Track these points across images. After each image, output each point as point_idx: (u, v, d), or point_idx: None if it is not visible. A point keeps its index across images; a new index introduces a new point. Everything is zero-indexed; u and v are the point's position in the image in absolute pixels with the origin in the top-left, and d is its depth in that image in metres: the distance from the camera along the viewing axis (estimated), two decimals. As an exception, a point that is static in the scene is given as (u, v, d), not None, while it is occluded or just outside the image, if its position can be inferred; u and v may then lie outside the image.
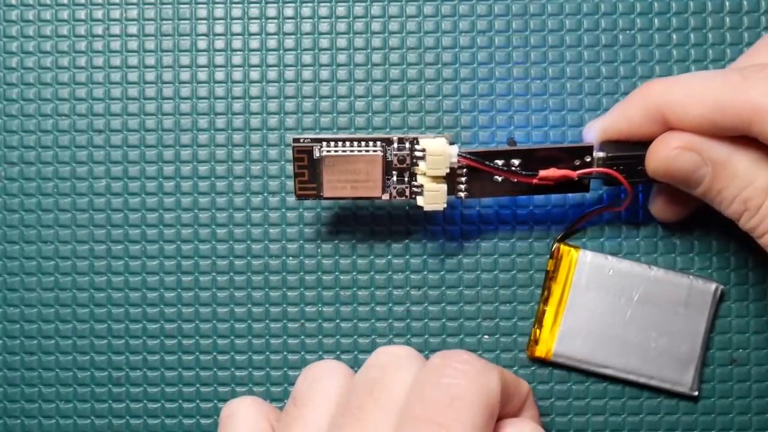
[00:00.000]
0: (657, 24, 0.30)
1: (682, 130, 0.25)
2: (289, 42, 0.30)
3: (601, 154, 0.27)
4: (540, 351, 0.28)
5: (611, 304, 0.28)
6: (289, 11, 0.30)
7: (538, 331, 0.29)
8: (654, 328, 0.28)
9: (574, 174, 0.26)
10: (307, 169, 0.27)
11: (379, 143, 0.27)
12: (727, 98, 0.23)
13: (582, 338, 0.28)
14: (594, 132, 0.27)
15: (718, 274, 0.29)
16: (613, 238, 0.29)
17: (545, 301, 0.29)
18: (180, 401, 0.29)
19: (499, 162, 0.27)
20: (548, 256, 0.29)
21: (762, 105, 0.23)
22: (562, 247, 0.29)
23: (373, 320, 0.29)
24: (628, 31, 0.30)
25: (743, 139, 0.25)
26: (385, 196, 0.27)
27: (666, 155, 0.25)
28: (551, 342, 0.28)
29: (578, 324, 0.28)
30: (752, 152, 0.25)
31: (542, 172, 0.26)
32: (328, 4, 0.30)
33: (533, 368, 0.29)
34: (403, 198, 0.27)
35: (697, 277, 0.28)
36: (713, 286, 0.28)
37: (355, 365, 0.29)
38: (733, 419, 0.29)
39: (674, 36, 0.30)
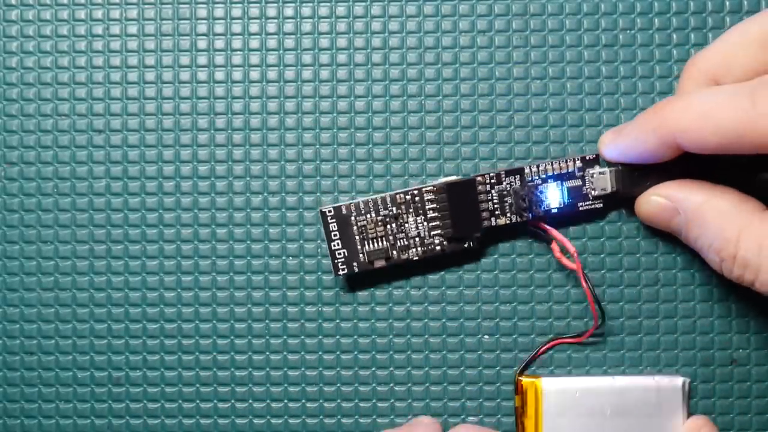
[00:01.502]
0: (657, 24, 0.30)
1: (696, 152, 0.25)
2: (289, 42, 0.30)
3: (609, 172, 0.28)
4: None
5: (586, 425, 0.28)
6: (289, 11, 0.30)
7: None
8: None
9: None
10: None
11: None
12: (740, 128, 0.24)
13: None
14: (611, 152, 0.28)
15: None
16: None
17: None
18: (180, 401, 0.29)
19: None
20: (548, 253, 0.29)
21: None
22: (524, 381, 0.28)
23: (372, 320, 0.29)
24: (628, 31, 0.30)
25: (717, 189, 0.26)
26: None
27: (645, 202, 0.28)
28: None
29: None
30: (724, 202, 0.26)
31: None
32: (328, 4, 0.30)
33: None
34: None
35: (662, 376, 0.28)
36: (680, 381, 0.28)
37: (355, 365, 0.29)
38: (733, 419, 0.29)
39: (674, 36, 0.30)
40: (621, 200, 0.29)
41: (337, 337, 0.29)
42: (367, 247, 0.28)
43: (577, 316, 0.29)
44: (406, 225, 0.28)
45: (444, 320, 0.29)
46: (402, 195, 0.28)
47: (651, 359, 0.29)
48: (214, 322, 0.29)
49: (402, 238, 0.28)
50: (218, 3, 0.30)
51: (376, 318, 0.29)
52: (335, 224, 0.28)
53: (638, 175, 0.28)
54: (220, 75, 0.30)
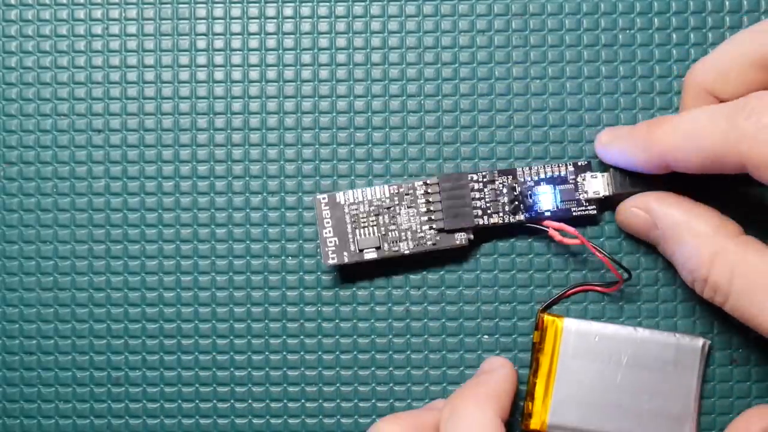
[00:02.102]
0: (657, 24, 0.30)
1: (683, 171, 0.26)
2: (289, 42, 0.30)
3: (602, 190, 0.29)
4: (534, 424, 0.28)
5: (600, 371, 0.28)
6: (288, 11, 0.30)
7: (530, 404, 0.28)
8: (646, 390, 0.28)
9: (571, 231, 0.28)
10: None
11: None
12: (720, 150, 0.24)
13: (575, 407, 0.28)
14: (603, 156, 0.28)
15: (718, 273, 0.29)
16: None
17: (534, 373, 0.28)
18: (179, 401, 0.29)
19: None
20: (548, 253, 0.29)
21: (750, 157, 0.23)
22: (546, 317, 0.28)
23: (372, 320, 0.29)
24: (628, 31, 0.30)
25: (697, 209, 0.26)
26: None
27: (624, 211, 0.28)
28: (545, 414, 0.28)
29: (570, 393, 0.28)
30: (703, 224, 0.26)
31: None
32: (327, 3, 0.30)
33: (530, 436, 0.29)
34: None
35: (683, 335, 0.28)
36: (700, 341, 0.28)
37: (354, 365, 0.29)
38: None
39: (674, 36, 0.30)
40: (614, 204, 0.29)
41: (337, 337, 0.29)
42: (358, 236, 0.28)
43: (577, 315, 0.29)
44: (398, 217, 0.28)
45: (444, 320, 0.29)
46: (396, 188, 0.28)
47: (651, 359, 0.29)
48: (214, 322, 0.29)
49: (393, 230, 0.28)
50: (218, 3, 0.30)
51: (376, 318, 0.29)
52: (328, 212, 0.28)
53: (630, 182, 0.28)
54: (219, 75, 0.30)
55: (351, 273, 0.29)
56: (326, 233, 0.28)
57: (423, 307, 0.29)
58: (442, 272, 0.29)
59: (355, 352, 0.29)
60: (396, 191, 0.28)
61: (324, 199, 0.28)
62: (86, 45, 0.30)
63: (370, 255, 0.28)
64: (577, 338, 0.28)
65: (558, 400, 0.28)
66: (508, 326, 0.29)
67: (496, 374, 0.27)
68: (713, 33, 0.30)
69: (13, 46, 0.30)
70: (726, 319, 0.29)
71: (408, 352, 0.29)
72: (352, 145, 0.30)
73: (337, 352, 0.29)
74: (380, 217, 0.28)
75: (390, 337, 0.29)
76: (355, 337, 0.29)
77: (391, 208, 0.28)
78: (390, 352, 0.29)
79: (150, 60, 0.30)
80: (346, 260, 0.28)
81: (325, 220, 0.28)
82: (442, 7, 0.30)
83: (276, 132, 0.30)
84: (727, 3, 0.30)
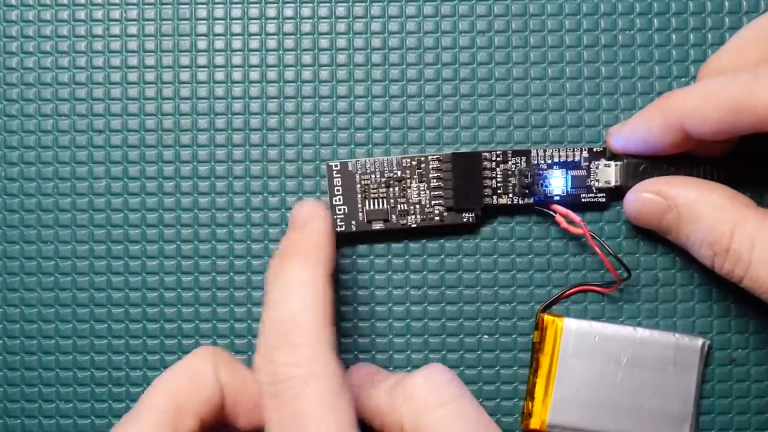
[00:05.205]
0: (656, 24, 0.30)
1: (699, 136, 0.26)
2: (289, 42, 0.30)
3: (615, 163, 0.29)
4: (534, 423, 0.28)
5: (600, 370, 0.28)
6: (288, 11, 0.30)
7: (530, 404, 0.28)
8: (645, 389, 0.28)
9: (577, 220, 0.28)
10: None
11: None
12: (742, 100, 0.24)
13: (575, 407, 0.28)
14: (617, 140, 0.28)
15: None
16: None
17: (534, 372, 0.28)
18: (180, 401, 0.29)
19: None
20: (548, 253, 0.29)
21: None
22: (546, 317, 0.28)
23: (372, 320, 0.29)
24: (627, 31, 0.30)
25: (709, 185, 0.26)
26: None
27: (635, 199, 0.27)
28: (545, 414, 0.28)
29: (570, 393, 0.28)
30: (718, 197, 0.26)
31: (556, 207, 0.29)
32: (328, 4, 0.30)
33: None
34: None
35: (683, 335, 0.28)
36: (700, 341, 0.28)
37: (354, 365, 0.29)
38: (733, 419, 0.29)
39: (674, 36, 0.30)
40: (624, 195, 0.29)
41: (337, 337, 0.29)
42: (367, 206, 0.28)
43: (577, 315, 0.29)
44: (409, 190, 0.28)
45: (443, 320, 0.29)
46: (408, 160, 0.28)
47: (650, 359, 0.29)
48: (214, 322, 0.29)
49: (403, 203, 0.29)
50: (218, 3, 0.30)
51: (376, 318, 0.29)
52: (339, 179, 0.28)
53: (642, 172, 0.28)
54: (220, 75, 0.30)
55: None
56: (336, 201, 0.28)
57: (423, 307, 0.29)
58: (442, 272, 0.29)
59: (355, 352, 0.29)
60: (408, 164, 0.28)
61: (336, 166, 0.28)
62: (87, 46, 0.30)
63: (378, 225, 0.29)
64: (577, 338, 0.28)
65: (558, 399, 0.28)
66: (508, 326, 0.29)
67: (313, 227, 0.25)
68: (713, 34, 0.30)
69: (14, 47, 0.30)
70: (726, 319, 0.29)
71: (408, 352, 0.29)
72: (352, 146, 0.30)
73: (338, 353, 0.29)
74: (390, 189, 0.28)
75: (390, 336, 0.29)
76: (355, 337, 0.29)
77: (403, 181, 0.28)
78: (390, 352, 0.29)
79: (151, 60, 0.30)
80: (353, 229, 0.29)
81: (336, 188, 0.28)
82: (442, 7, 0.30)
83: (277, 132, 0.30)
84: (726, 4, 0.30)
